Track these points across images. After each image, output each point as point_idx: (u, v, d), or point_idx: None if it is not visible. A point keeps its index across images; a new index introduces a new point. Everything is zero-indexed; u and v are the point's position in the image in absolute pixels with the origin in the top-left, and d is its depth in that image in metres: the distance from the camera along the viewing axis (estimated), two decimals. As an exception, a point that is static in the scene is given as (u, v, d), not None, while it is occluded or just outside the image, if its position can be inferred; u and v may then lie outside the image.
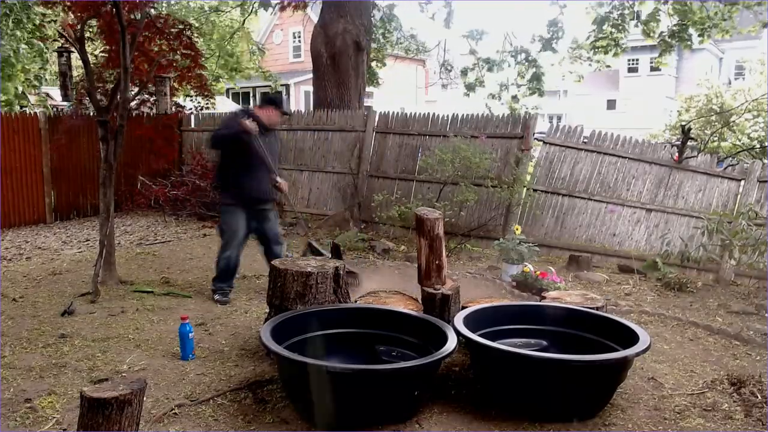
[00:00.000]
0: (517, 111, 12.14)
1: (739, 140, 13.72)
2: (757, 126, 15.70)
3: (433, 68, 28.56)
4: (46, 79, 16.08)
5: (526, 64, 12.34)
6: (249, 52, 17.45)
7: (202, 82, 10.28)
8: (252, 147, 4.85)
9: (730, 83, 28.69)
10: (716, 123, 15.04)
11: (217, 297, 5.18)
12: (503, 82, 12.85)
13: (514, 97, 12.74)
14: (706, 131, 14.09)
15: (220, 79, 18.79)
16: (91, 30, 8.11)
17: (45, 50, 13.61)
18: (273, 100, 5.14)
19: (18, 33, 11.19)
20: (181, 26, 8.51)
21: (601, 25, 11.28)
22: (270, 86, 18.01)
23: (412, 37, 15.49)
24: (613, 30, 11.23)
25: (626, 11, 11.19)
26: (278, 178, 5.10)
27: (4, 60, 11.89)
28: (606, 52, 11.70)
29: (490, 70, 12.77)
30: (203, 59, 9.43)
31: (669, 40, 10.64)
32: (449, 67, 13.92)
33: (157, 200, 9.64)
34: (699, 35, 10.36)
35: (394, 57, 19.24)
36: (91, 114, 7.51)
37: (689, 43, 10.59)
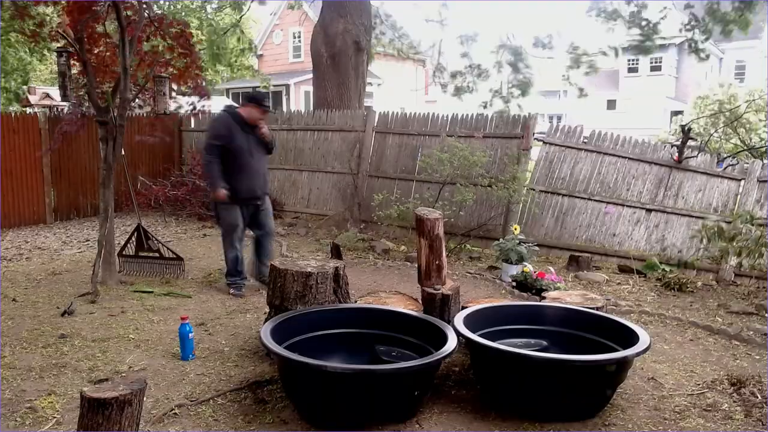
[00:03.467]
0: (507, 113, 12.04)
1: (750, 139, 13.60)
2: (759, 126, 15.63)
3: (433, 69, 28.58)
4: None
5: (512, 66, 12.22)
6: (241, 50, 17.40)
7: (197, 83, 10.25)
8: (241, 148, 5.30)
9: (730, 84, 28.63)
10: (723, 122, 14.94)
11: (232, 291, 5.46)
12: (495, 89, 12.75)
13: (505, 99, 12.61)
14: (711, 132, 14.00)
15: (212, 80, 18.73)
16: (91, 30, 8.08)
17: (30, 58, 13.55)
18: (253, 97, 5.43)
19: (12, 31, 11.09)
20: (179, 27, 8.48)
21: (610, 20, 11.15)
22: (264, 86, 18.03)
23: (403, 36, 15.40)
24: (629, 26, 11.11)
25: (636, 9, 11.08)
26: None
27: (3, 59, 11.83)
28: (617, 54, 11.61)
29: (479, 76, 12.69)
30: (200, 60, 9.42)
31: (692, 37, 10.50)
32: (443, 69, 13.87)
33: (157, 200, 9.64)
34: (721, 32, 10.19)
35: (400, 57, 19.24)
36: (85, 113, 7.50)
37: (705, 43, 10.50)
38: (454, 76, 13.23)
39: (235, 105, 5.65)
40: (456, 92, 13.07)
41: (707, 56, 11.28)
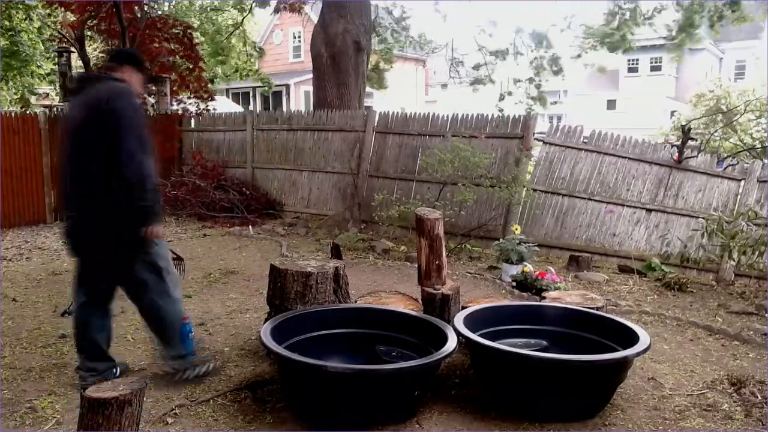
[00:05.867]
0: (532, 111, 12.01)
1: (742, 140, 13.69)
2: (759, 127, 15.67)
3: (434, 68, 28.55)
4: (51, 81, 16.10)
5: (543, 48, 12.24)
6: (246, 53, 17.41)
7: (201, 84, 10.29)
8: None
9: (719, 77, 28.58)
10: (720, 122, 15.02)
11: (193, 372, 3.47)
12: (516, 78, 12.75)
13: (535, 91, 12.55)
14: (709, 130, 14.06)
15: (215, 80, 18.78)
16: (92, 30, 8.11)
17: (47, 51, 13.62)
18: (133, 56, 3.50)
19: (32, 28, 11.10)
20: (181, 28, 8.50)
21: (611, 20, 11.22)
22: (265, 87, 18.07)
23: (420, 36, 15.45)
24: (622, 26, 11.18)
25: (634, 6, 11.11)
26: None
27: (14, 54, 11.80)
28: (616, 48, 11.62)
29: (503, 59, 12.72)
30: (202, 62, 9.48)
31: (678, 34, 10.54)
32: (458, 64, 13.92)
33: (157, 200, 9.63)
34: (710, 26, 10.25)
35: (402, 58, 19.23)
36: None
37: (698, 37, 10.55)
38: (476, 68, 13.27)
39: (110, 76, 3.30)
40: (475, 83, 13.12)
41: (676, 64, 11.45)
